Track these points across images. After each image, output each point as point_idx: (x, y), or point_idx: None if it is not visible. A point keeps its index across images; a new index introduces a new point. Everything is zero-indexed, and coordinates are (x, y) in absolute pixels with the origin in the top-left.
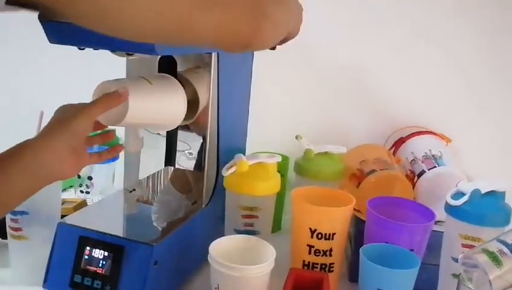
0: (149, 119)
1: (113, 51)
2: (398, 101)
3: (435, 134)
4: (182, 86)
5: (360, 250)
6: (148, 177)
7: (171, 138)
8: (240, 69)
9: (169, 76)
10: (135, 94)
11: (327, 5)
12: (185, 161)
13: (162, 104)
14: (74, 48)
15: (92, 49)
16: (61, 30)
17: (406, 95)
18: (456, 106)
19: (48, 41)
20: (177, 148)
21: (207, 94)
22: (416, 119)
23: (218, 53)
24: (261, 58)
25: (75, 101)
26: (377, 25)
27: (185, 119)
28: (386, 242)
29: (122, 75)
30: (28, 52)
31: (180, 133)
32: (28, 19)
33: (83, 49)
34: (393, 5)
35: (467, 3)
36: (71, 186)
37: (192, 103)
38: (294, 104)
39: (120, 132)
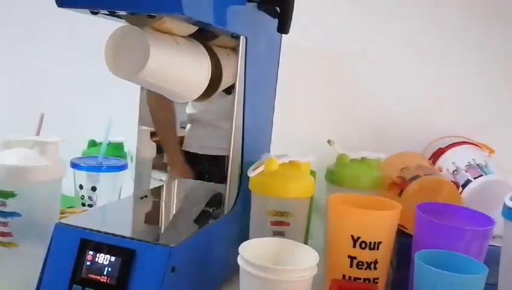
0: (168, 79)
1: (132, 13)
2: (433, 110)
3: (475, 144)
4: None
5: (415, 255)
6: (159, 187)
7: None
8: (266, 66)
9: (197, 42)
10: (157, 47)
11: (360, 9)
12: None
13: (185, 65)
14: (75, 47)
15: (104, 16)
16: None
17: (443, 104)
18: (496, 116)
19: (56, 5)
20: None
21: (231, 75)
22: (456, 128)
23: (246, 39)
24: (287, 66)
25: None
26: (411, 32)
27: (203, 95)
28: None
29: None
30: (29, 53)
31: None
32: (29, 20)
33: (96, 13)
34: (427, 12)
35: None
36: (71, 207)
37: (214, 78)
38: (320, 116)
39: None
